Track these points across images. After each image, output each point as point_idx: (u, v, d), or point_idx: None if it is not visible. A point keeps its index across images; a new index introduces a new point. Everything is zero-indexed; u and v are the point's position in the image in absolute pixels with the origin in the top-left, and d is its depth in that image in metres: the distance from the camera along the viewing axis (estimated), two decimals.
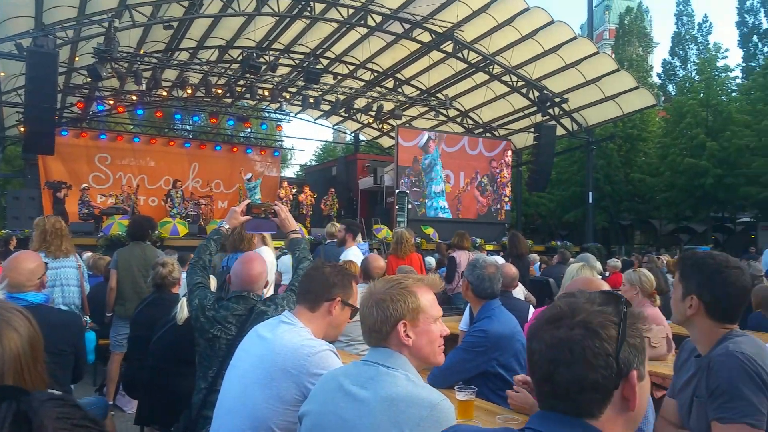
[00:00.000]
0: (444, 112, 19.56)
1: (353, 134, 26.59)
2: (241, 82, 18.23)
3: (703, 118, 24.06)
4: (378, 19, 15.17)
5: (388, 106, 19.49)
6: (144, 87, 15.42)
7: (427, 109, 20.05)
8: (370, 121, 21.80)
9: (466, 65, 17.08)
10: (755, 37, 29.35)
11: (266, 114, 23.85)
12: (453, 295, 7.63)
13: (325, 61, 18.27)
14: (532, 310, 4.64)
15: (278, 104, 18.80)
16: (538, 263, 11.46)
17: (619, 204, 27.35)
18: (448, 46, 16.17)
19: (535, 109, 17.96)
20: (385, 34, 16.18)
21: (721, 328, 1.91)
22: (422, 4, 14.83)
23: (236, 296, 2.84)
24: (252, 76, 16.06)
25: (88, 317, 5.13)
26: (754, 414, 1.72)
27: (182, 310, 3.48)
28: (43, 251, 4.61)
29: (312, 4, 14.22)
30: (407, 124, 20.32)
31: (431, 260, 10.50)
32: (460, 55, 16.35)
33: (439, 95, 19.22)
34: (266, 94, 17.80)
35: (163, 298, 4.37)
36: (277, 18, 15.20)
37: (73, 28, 12.98)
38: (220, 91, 18.44)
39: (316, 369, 2.03)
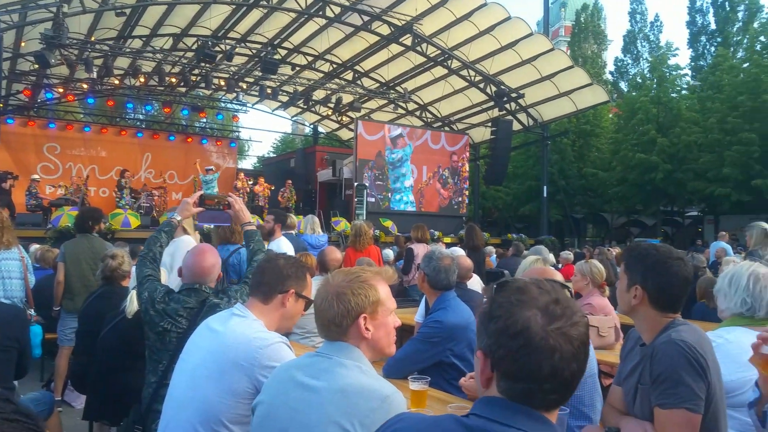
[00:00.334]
0: (403, 105, 19.61)
1: (312, 126, 26.41)
2: (196, 71, 17.90)
3: (654, 115, 24.81)
4: (336, 10, 15.07)
5: (347, 98, 19.42)
6: (95, 75, 14.99)
7: (386, 102, 20.06)
8: (329, 113, 21.68)
9: (424, 59, 17.15)
10: (703, 38, 30.29)
11: (222, 104, 23.46)
12: (409, 287, 7.68)
13: (283, 52, 18.05)
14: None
15: (234, 94, 18.50)
16: (495, 255, 11.65)
17: (573, 198, 27.98)
18: (407, 40, 16.20)
19: (492, 103, 18.19)
20: (343, 25, 16.10)
21: (664, 317, 1.97)
22: None
23: (187, 289, 2.79)
24: (207, 66, 15.77)
25: (32, 311, 4.98)
26: (693, 399, 1.79)
27: (132, 303, 3.41)
28: None
29: None
30: (366, 117, 20.29)
31: (389, 253, 10.54)
32: (418, 48, 16.41)
33: (398, 88, 19.25)
34: (222, 83, 17.48)
35: (113, 291, 4.27)
36: (234, 6, 14.95)
37: (18, 12, 12.47)
38: (174, 80, 18.05)
39: (268, 361, 2.01)
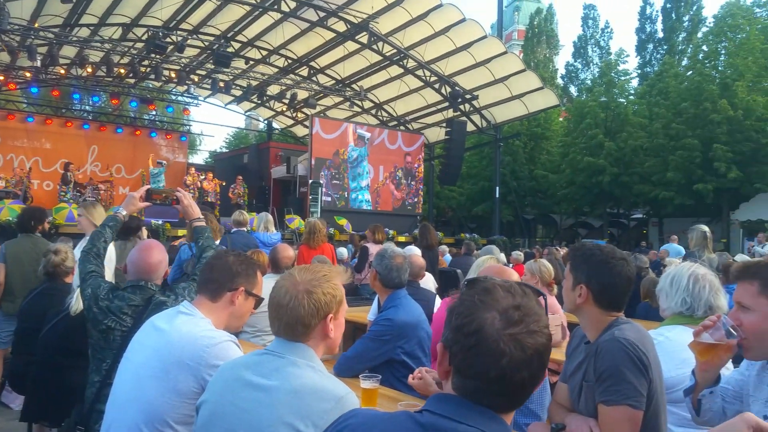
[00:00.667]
0: (359, 103, 19.56)
1: (266, 122, 26.07)
2: (146, 63, 17.38)
3: (602, 119, 25.50)
4: (292, 5, 14.91)
5: (302, 94, 19.24)
6: (39, 63, 14.45)
7: (342, 99, 19.98)
8: (284, 109, 21.43)
9: (380, 57, 17.18)
10: (650, 45, 31.30)
11: (173, 97, 22.88)
12: (361, 286, 7.69)
13: (236, 45, 17.74)
14: (438, 300, 4.75)
15: (186, 87, 18.08)
16: (448, 254, 11.79)
17: (524, 199, 28.53)
18: (363, 37, 16.18)
19: (447, 104, 18.35)
20: (299, 21, 15.94)
21: (607, 315, 2.02)
22: None
23: (133, 286, 2.72)
24: (157, 57, 15.39)
25: None
26: (635, 396, 1.84)
27: (78, 301, 3.28)
28: None
29: None
30: (322, 114, 20.16)
31: (343, 251, 10.52)
32: (375, 47, 16.41)
33: (354, 86, 19.19)
34: (173, 75, 17.04)
35: (55, 287, 4.11)
36: None
37: None
38: (122, 71, 17.51)
39: (215, 360, 1.97)
